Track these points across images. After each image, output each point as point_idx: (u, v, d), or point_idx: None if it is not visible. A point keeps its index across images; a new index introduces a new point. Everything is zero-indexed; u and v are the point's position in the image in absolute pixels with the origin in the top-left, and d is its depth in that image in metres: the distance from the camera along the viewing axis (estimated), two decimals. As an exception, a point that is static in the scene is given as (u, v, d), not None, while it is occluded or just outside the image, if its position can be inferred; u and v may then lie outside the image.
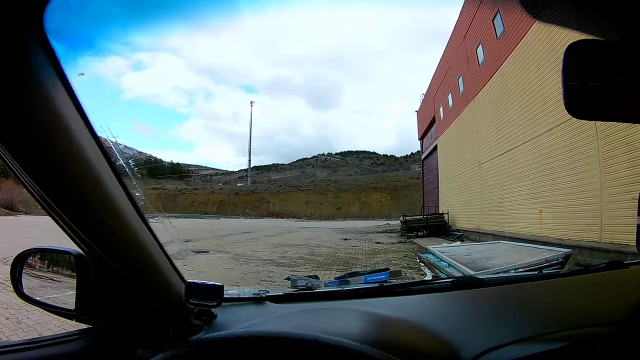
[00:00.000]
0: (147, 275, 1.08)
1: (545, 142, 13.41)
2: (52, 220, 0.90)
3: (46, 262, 1.39)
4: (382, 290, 1.65)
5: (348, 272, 9.25)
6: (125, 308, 1.16)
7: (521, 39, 14.56)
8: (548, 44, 12.64)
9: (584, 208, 11.10)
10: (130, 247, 0.99)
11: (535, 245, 12.05)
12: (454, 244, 16.70)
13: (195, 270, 9.49)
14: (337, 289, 1.66)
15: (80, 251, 1.14)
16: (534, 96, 14.02)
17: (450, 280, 1.74)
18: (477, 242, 17.71)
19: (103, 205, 0.83)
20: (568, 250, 10.37)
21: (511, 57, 15.63)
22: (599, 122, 10.37)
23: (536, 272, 2.54)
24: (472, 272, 8.30)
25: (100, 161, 0.78)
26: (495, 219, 17.93)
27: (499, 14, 15.95)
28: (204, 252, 12.66)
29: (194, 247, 13.72)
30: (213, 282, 1.23)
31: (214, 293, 1.21)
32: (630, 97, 0.91)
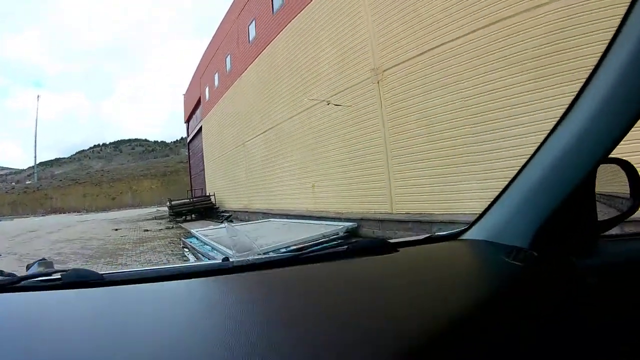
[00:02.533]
0: None
1: (316, 114, 11.56)
2: None
3: None
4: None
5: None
6: None
7: (301, 10, 12.50)
8: (328, 14, 10.92)
9: (369, 179, 9.37)
10: None
11: (309, 221, 10.60)
12: (220, 226, 14.81)
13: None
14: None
15: None
16: (307, 69, 12.15)
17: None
18: (247, 222, 15.76)
19: None
20: (350, 224, 8.94)
21: (285, 30, 13.44)
22: (383, 87, 9.25)
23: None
24: (237, 254, 6.18)
25: None
26: (264, 197, 15.97)
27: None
28: (-3, 256, 11.73)
29: (-13, 252, 12.98)
30: None
31: None
32: None
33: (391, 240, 1.33)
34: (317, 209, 11.39)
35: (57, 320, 0.91)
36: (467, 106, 7.07)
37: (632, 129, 0.88)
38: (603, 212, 1.10)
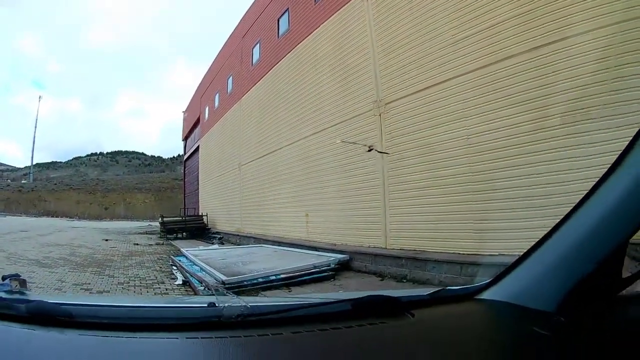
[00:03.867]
0: None
1: (315, 143, 11.53)
2: None
3: None
4: None
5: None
6: None
7: (305, 38, 12.52)
8: (333, 44, 10.97)
9: (365, 213, 9.21)
10: None
11: (301, 250, 10.47)
12: (210, 247, 14.91)
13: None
14: None
15: None
16: (308, 97, 12.12)
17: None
18: (238, 245, 15.59)
19: None
20: (342, 256, 8.78)
21: (289, 55, 13.47)
22: (385, 121, 9.20)
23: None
24: (225, 278, 7.01)
25: None
26: (257, 222, 15.70)
27: (287, 12, 14.06)
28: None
29: (-24, 246, 13.26)
30: None
31: None
32: None
33: (399, 295, 1.23)
34: (311, 238, 11.22)
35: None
36: (469, 144, 7.00)
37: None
38: (628, 268, 1.06)
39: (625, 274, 1.05)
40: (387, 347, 0.99)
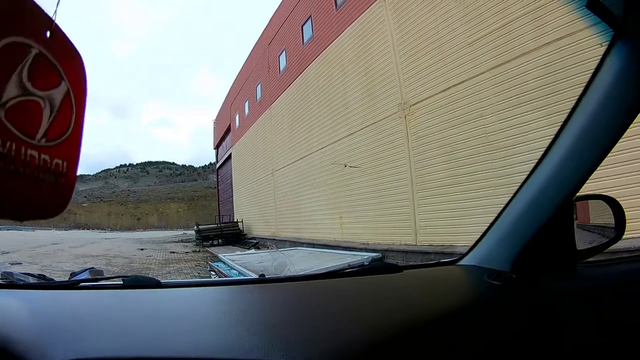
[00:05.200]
0: None
1: (345, 147, 12.13)
2: None
3: None
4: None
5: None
6: None
7: (329, 44, 13.21)
8: (357, 49, 11.61)
9: (395, 212, 9.79)
10: None
11: (336, 251, 10.97)
12: (247, 252, 15.23)
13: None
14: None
15: None
16: (336, 102, 12.76)
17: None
18: (275, 249, 16.20)
19: None
20: (376, 254, 9.30)
21: (315, 62, 14.19)
22: (410, 122, 9.72)
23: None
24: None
25: None
26: (292, 226, 16.36)
27: (310, 20, 14.79)
28: (18, 263, 12.02)
29: (9, 259, 13.47)
30: None
31: None
32: None
33: (401, 264, 1.54)
34: (345, 239, 11.80)
35: (119, 313, 1.05)
36: (490, 141, 7.46)
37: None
38: (584, 242, 1.24)
39: (584, 247, 1.24)
40: (377, 286, 1.35)
